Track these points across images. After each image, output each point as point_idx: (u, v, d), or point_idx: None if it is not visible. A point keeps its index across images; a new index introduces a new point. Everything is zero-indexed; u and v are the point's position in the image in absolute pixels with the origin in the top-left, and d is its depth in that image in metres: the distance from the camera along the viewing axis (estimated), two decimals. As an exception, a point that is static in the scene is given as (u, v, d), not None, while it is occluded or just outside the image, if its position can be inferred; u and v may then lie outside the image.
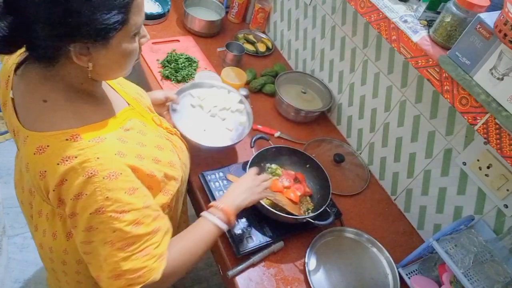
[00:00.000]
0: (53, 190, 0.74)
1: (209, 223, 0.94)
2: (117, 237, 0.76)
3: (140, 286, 0.80)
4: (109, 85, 0.91)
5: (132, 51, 0.77)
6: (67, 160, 0.71)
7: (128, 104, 0.92)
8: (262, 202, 1.11)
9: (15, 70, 0.81)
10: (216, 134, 1.27)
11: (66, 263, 0.94)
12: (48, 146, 0.73)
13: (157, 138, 0.92)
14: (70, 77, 0.77)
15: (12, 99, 0.81)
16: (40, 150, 0.73)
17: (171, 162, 0.91)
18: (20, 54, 0.81)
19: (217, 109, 1.31)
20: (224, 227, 0.94)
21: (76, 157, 0.71)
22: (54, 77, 0.76)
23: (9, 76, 0.83)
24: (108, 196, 0.73)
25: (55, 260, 0.95)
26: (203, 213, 0.95)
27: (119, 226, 0.75)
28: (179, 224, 1.21)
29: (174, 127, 1.12)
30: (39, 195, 0.83)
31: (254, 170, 1.11)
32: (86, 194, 0.72)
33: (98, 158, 0.72)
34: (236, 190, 1.02)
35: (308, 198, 1.26)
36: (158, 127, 0.98)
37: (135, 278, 0.79)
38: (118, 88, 0.94)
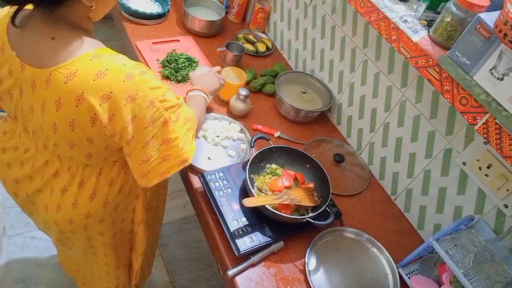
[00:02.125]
0: (100, 104, 0.80)
1: (200, 96, 1.19)
2: (170, 113, 0.90)
3: (195, 139, 1.03)
4: None
5: None
6: (100, 74, 0.79)
7: None
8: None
9: (13, 23, 0.86)
10: (219, 161, 1.33)
11: (73, 222, 1.03)
12: (77, 70, 0.80)
13: None
14: (72, 17, 0.85)
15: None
16: (71, 76, 0.80)
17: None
18: (7, 14, 0.88)
19: (219, 138, 1.38)
20: (208, 99, 1.21)
21: (107, 69, 0.80)
22: (57, 18, 0.83)
23: (3, 44, 0.87)
24: (151, 86, 0.85)
25: (60, 222, 1.03)
26: (191, 93, 1.20)
27: (168, 104, 0.89)
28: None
29: None
30: (75, 127, 0.86)
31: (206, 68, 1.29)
32: (136, 94, 0.82)
33: (125, 64, 0.82)
34: (200, 82, 1.24)
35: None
36: None
37: (190, 137, 0.99)
38: None
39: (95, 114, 0.81)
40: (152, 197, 1.23)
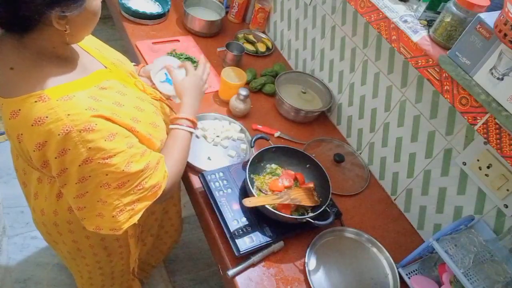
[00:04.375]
0: (34, 151, 0.78)
1: (184, 132, 1.03)
2: (112, 178, 0.81)
3: (141, 212, 0.90)
4: (83, 49, 0.94)
5: (99, 9, 0.83)
6: (39, 121, 0.75)
7: (106, 67, 0.94)
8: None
9: None
10: (219, 161, 1.33)
11: (58, 225, 1.03)
12: (19, 110, 0.77)
13: (138, 100, 0.95)
14: (43, 42, 0.80)
15: None
16: (14, 114, 0.77)
17: (154, 123, 0.96)
18: None
19: (219, 138, 1.39)
20: (194, 131, 1.06)
21: (47, 117, 0.75)
22: (25, 45, 0.79)
23: None
24: (90, 146, 0.78)
25: (47, 224, 1.04)
26: (175, 126, 1.04)
27: (110, 169, 0.80)
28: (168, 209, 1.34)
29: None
30: (22, 158, 0.88)
31: (190, 67, 1.18)
32: (69, 149, 0.76)
33: (68, 115, 0.76)
34: (190, 99, 1.10)
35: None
36: (141, 92, 1.01)
37: (136, 210, 0.88)
38: (95, 52, 0.96)
39: (30, 157, 0.82)
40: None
